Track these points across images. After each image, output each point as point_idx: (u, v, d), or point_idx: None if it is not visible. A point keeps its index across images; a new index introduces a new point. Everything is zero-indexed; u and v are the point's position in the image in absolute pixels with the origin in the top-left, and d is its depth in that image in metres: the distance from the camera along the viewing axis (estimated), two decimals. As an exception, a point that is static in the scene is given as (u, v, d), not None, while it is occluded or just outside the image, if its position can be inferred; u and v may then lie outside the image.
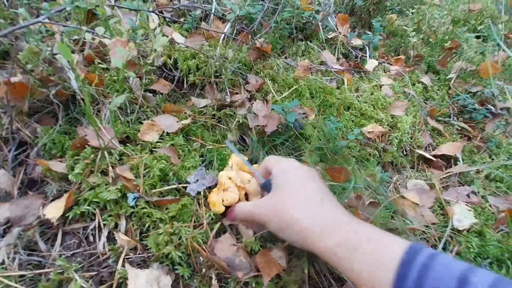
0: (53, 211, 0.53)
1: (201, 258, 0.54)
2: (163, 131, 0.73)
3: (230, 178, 0.62)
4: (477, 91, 1.27)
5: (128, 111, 0.75)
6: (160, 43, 0.72)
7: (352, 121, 0.93)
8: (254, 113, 0.88)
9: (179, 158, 0.70)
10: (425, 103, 1.21)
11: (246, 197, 0.62)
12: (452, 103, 1.22)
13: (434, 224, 0.75)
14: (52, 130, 0.63)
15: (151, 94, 0.82)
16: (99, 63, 0.71)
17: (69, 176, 0.57)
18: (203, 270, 0.52)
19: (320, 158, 0.80)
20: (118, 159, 0.63)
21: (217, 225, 0.58)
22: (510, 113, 1.20)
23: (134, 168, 0.63)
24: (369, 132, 0.89)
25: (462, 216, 0.75)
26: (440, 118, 1.18)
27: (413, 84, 1.23)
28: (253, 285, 0.52)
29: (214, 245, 0.56)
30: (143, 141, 0.69)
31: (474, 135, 1.12)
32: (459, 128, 1.14)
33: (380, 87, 1.08)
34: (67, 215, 0.54)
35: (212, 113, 0.85)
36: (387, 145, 0.92)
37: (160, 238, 0.54)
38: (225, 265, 0.51)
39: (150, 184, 0.62)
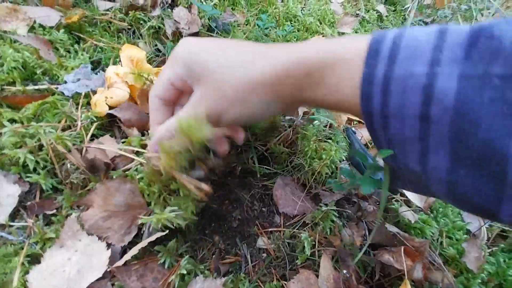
0: None
1: (68, 165, 0.40)
2: (35, 23, 0.54)
3: (117, 74, 0.47)
4: (431, 20, 1.20)
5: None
6: None
7: (294, 35, 0.80)
8: (175, 20, 0.71)
9: (60, 57, 0.53)
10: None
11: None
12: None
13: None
14: None
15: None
16: None
17: None
18: (73, 178, 0.39)
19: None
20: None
21: (94, 127, 0.44)
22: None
23: (-21, 60, 0.45)
24: (311, 45, 0.77)
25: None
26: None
27: (367, 11, 1.12)
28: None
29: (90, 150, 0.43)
30: (3, 31, 0.51)
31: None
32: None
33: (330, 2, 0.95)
34: None
35: (119, 16, 0.67)
36: (332, 62, 0.82)
37: (6, 139, 0.39)
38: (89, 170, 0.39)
39: (3, 80, 0.45)
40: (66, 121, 0.44)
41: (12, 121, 0.42)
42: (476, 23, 0.27)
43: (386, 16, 1.19)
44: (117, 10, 0.68)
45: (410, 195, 0.48)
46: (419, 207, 0.49)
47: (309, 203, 0.47)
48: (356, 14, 1.04)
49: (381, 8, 1.18)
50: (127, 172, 0.40)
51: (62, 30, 0.56)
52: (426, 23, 1.18)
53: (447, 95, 0.23)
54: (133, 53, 0.50)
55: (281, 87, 0.30)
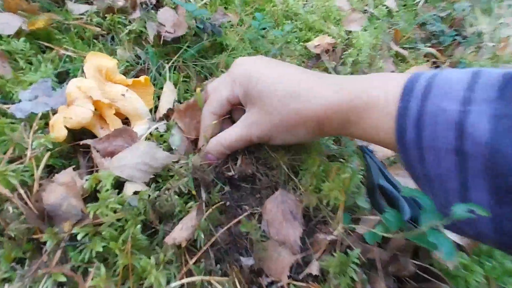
0: None
1: (10, 209, 0.32)
2: (-10, 31, 0.46)
3: (79, 88, 0.38)
4: (447, 15, 1.09)
5: None
6: None
7: (295, 36, 0.70)
8: (159, 23, 0.63)
9: (19, 70, 0.45)
10: (388, 28, 1.02)
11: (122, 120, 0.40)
12: (418, 26, 1.04)
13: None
14: None
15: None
16: None
17: None
18: (12, 229, 0.30)
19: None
20: None
21: (45, 158, 0.35)
22: (480, 37, 1.05)
23: None
24: (316, 46, 0.68)
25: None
26: (405, 45, 1.00)
27: (376, 7, 1.03)
28: (88, 237, 0.31)
29: (46, 187, 0.34)
30: None
31: (442, 61, 0.96)
32: (426, 54, 0.97)
33: (334, -1, 0.86)
34: None
35: (95, 20, 0.59)
36: (339, 65, 0.72)
37: None
38: (39, 216, 0.30)
39: None
40: (14, 151, 0.36)
41: None
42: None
43: (397, 11, 1.09)
44: (93, 14, 0.60)
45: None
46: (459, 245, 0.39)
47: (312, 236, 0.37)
48: (364, 10, 0.95)
49: (391, 2, 1.08)
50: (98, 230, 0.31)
51: (22, 39, 0.48)
52: (441, 18, 1.07)
53: (479, 133, 0.23)
54: (101, 62, 0.42)
55: (326, 124, 0.34)
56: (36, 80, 0.43)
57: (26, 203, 0.32)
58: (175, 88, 0.53)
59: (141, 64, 0.56)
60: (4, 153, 0.35)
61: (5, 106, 0.40)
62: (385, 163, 0.54)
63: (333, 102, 0.32)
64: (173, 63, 0.57)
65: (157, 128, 0.45)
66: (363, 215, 0.39)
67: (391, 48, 0.93)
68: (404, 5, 1.17)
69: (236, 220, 0.38)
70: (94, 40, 0.57)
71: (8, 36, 0.48)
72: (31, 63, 0.48)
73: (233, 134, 0.39)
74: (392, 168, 0.53)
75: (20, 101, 0.41)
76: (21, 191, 0.33)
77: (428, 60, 0.94)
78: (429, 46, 1.00)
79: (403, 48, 0.98)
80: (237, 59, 0.42)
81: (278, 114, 0.35)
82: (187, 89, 0.56)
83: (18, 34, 0.49)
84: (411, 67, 0.87)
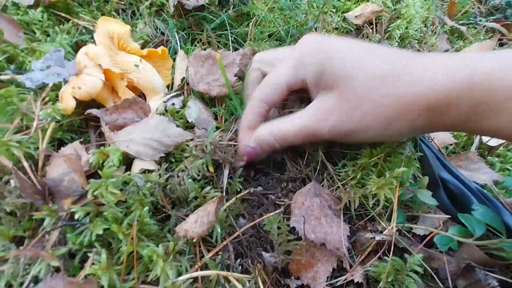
0: None
1: (11, 182, 0.28)
2: (7, 1, 0.44)
3: (87, 55, 0.34)
4: (515, -16, 0.92)
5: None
6: None
7: (333, 5, 0.62)
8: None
9: (36, 42, 0.43)
10: (442, 0, 0.88)
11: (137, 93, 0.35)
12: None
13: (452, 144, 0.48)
14: None
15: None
16: None
17: None
18: (8, 203, 0.27)
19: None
20: None
21: (50, 129, 0.32)
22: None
23: None
24: (356, 16, 0.58)
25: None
26: (462, 22, 0.86)
27: (427, -22, 0.89)
28: (90, 218, 0.27)
29: (52, 161, 0.31)
30: (-33, 11, 0.42)
31: (510, 37, 0.81)
32: (489, 29, 0.82)
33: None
34: None
35: (117, -6, 0.55)
36: (384, 39, 0.62)
37: None
38: (40, 191, 0.26)
39: (-47, 68, 0.35)
40: (21, 121, 0.33)
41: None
42: None
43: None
44: (115, -13, 0.56)
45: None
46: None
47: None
48: (413, -21, 0.82)
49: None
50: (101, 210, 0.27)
51: (40, 9, 0.46)
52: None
53: None
54: (112, 28, 0.37)
55: (443, 112, 0.25)
56: (49, 51, 0.41)
57: (29, 177, 0.29)
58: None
59: (159, 36, 0.51)
60: (11, 123, 0.33)
61: (17, 76, 0.38)
62: (443, 152, 0.45)
63: (456, 81, 0.24)
64: (194, 35, 0.52)
65: (173, 103, 0.40)
66: (422, 212, 0.30)
67: (445, 24, 0.80)
68: (461, -24, 1.01)
69: (260, 210, 0.32)
70: (114, 13, 0.54)
71: (27, 7, 0.46)
72: (48, 35, 0.46)
73: (293, 124, 0.30)
74: (453, 159, 0.43)
75: (32, 70, 0.38)
76: (25, 164, 0.29)
77: (492, 37, 0.79)
78: (492, 21, 0.84)
79: (460, 23, 0.84)
80: (306, 35, 0.32)
81: (369, 102, 0.26)
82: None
83: (37, 5, 0.47)
84: (472, 45, 0.73)
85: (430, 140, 0.44)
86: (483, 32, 0.82)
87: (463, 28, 0.80)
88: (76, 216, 0.25)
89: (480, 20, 0.86)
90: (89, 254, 0.25)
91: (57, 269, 0.24)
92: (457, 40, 0.80)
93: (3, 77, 0.38)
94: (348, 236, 0.28)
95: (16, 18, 0.43)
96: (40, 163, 0.31)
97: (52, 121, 0.33)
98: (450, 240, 0.22)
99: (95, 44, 0.37)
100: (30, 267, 0.24)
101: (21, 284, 0.24)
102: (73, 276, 0.25)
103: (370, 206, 0.31)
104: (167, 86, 0.44)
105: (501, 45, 0.82)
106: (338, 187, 0.34)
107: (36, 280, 0.24)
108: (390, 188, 0.29)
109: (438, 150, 0.44)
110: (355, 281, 0.27)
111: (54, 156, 0.30)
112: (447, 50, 0.76)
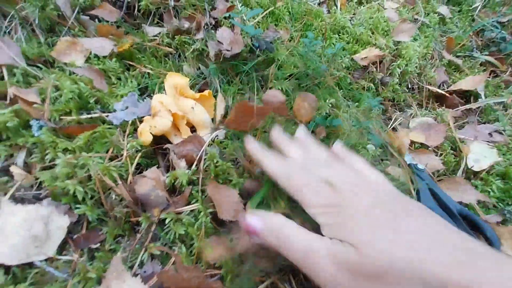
0: None
1: (113, 196, 0.40)
2: (91, 53, 0.58)
3: (161, 103, 0.47)
4: (508, 20, 1.02)
5: (56, 32, 0.61)
6: None
7: (343, 48, 0.74)
8: (218, 41, 0.71)
9: (111, 85, 0.56)
10: (441, 36, 0.99)
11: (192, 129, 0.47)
12: (475, 33, 0.99)
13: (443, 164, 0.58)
14: None
15: (91, 19, 0.67)
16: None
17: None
18: (116, 211, 0.39)
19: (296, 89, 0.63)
20: (22, 80, 0.50)
21: (138, 157, 0.44)
22: (550, 43, 0.96)
23: (43, 92, 0.49)
24: (362, 58, 0.70)
25: (481, 155, 0.57)
26: (459, 54, 0.96)
27: (427, 15, 1.00)
28: (172, 222, 0.38)
29: (137, 181, 0.42)
30: (64, 63, 0.55)
31: (503, 70, 0.90)
32: (484, 62, 0.92)
33: (383, 10, 0.87)
34: None
35: (166, 41, 0.69)
36: (386, 76, 0.73)
37: (59, 170, 0.40)
38: (134, 202, 0.38)
39: (61, 110, 0.48)
40: (113, 151, 0.45)
41: (66, 150, 0.44)
42: None
43: (450, 18, 1.05)
44: (164, 35, 0.70)
45: None
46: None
47: None
48: (414, 19, 0.94)
49: (444, 9, 1.05)
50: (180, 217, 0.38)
51: (114, 59, 0.59)
52: (502, 24, 1.01)
53: None
54: (176, 81, 0.50)
55: None
56: (126, 94, 0.53)
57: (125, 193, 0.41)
58: (231, 99, 0.60)
59: (204, 79, 0.64)
60: (106, 152, 0.45)
61: (104, 114, 0.51)
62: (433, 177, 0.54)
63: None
64: (230, 77, 0.64)
65: (217, 135, 0.52)
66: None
67: (443, 57, 0.90)
68: (459, 11, 1.12)
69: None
70: (165, 58, 0.67)
71: (104, 57, 0.59)
72: (119, 79, 0.59)
73: (296, 233, 0.30)
74: (443, 182, 0.53)
75: (115, 110, 0.51)
76: (119, 183, 0.41)
77: (485, 70, 0.89)
78: (487, 55, 0.94)
79: (457, 57, 0.94)
80: None
81: (387, 256, 0.25)
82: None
83: (111, 55, 0.60)
84: (467, 77, 0.83)
85: (423, 169, 0.53)
86: (478, 65, 0.92)
87: (460, 61, 0.90)
88: (166, 221, 0.37)
89: (477, 52, 0.96)
90: (172, 248, 0.37)
91: (154, 257, 0.36)
92: (454, 72, 0.90)
93: (94, 115, 0.50)
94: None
95: (98, 67, 0.56)
96: (129, 182, 0.42)
97: (135, 150, 0.45)
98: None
99: (165, 93, 0.49)
100: (134, 256, 0.36)
101: (131, 267, 0.35)
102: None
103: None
104: (212, 120, 0.56)
105: (495, 76, 0.91)
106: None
107: (141, 264, 0.35)
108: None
109: (430, 175, 0.54)
110: None
111: (139, 177, 0.42)
112: (445, 82, 0.86)
